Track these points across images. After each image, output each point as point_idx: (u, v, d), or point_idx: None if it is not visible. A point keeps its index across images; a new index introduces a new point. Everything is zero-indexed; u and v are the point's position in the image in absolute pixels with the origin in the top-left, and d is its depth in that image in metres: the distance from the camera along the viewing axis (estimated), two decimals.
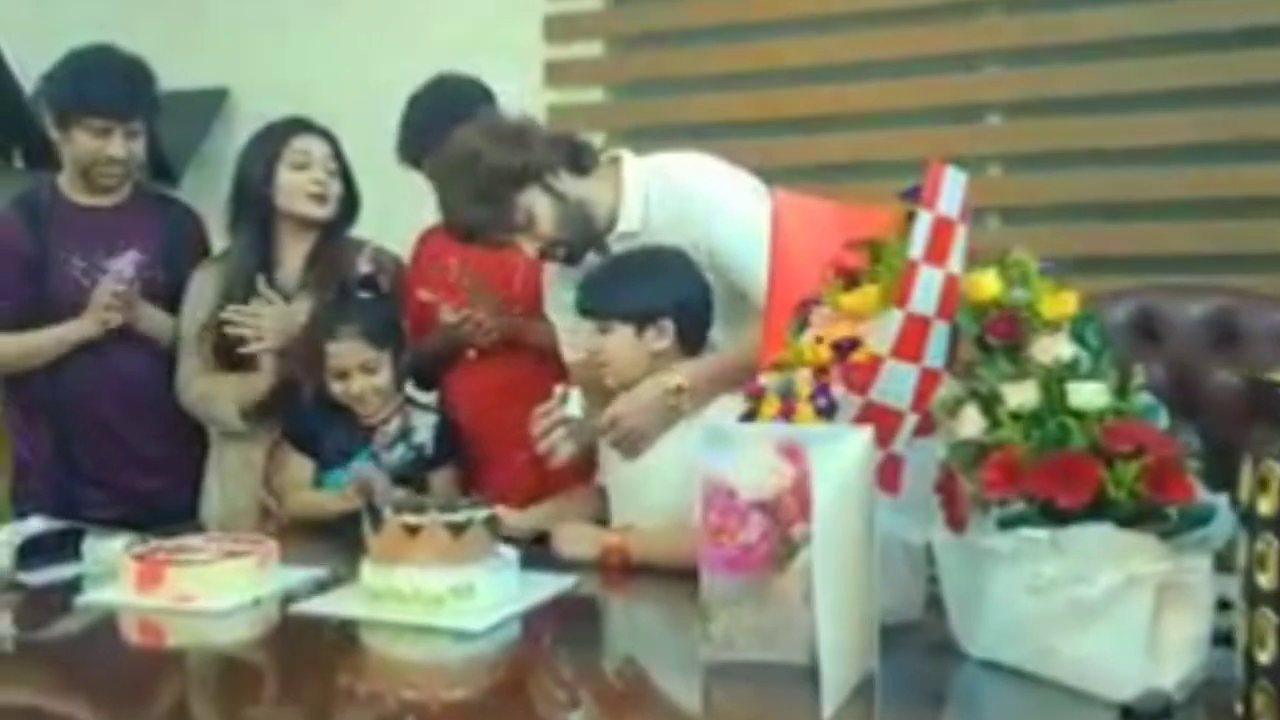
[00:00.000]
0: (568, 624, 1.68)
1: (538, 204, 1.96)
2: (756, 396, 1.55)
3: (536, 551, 1.81)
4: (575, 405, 1.96)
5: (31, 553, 1.83)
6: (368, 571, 1.65)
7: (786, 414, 1.46)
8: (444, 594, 1.59)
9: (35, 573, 1.82)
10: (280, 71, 3.51)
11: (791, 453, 1.36)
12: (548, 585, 1.72)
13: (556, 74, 3.26)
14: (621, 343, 1.90)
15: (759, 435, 1.39)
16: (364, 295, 2.31)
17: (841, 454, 1.29)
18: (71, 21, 3.37)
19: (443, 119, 2.28)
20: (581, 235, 1.99)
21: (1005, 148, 2.95)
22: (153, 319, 2.40)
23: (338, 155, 2.41)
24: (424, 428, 2.26)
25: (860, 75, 3.02)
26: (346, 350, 2.19)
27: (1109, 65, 2.77)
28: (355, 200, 2.46)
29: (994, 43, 2.92)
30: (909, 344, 1.38)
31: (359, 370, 2.19)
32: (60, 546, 1.87)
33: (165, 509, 2.33)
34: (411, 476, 2.21)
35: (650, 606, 1.78)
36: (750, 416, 1.54)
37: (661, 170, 2.04)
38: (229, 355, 2.35)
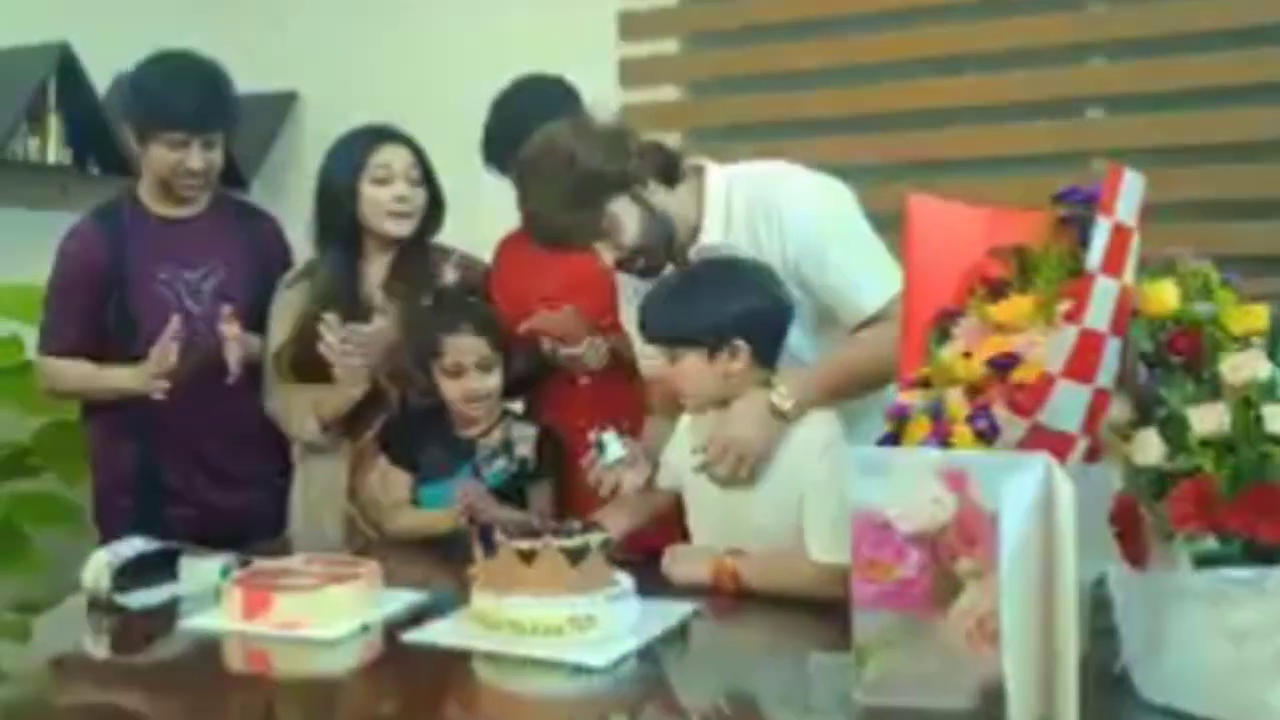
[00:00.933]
0: (693, 658, 1.59)
1: (626, 213, 1.87)
2: (900, 417, 1.45)
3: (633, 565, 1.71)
4: (613, 452, 1.92)
5: (127, 573, 1.76)
6: (479, 598, 1.57)
7: (940, 437, 1.36)
8: (563, 625, 1.51)
9: (131, 594, 1.75)
10: (349, 74, 3.46)
11: (955, 480, 1.26)
12: (666, 614, 1.62)
13: (631, 72, 3.19)
14: (693, 369, 1.78)
15: (918, 462, 1.29)
16: (473, 300, 2.23)
17: (1024, 483, 1.18)
18: (142, 26, 3.34)
19: (528, 121, 2.20)
20: (663, 248, 1.91)
21: (1109, 143, 2.82)
22: (248, 345, 2.33)
23: (421, 162, 2.33)
24: (525, 440, 2.18)
25: (947, 70, 2.92)
26: (466, 346, 2.12)
27: (1216, 56, 2.65)
28: (440, 207, 2.38)
29: (1097, 34, 2.81)
30: (1083, 362, 1.27)
31: (476, 368, 2.13)
32: (155, 567, 1.81)
33: (251, 526, 2.27)
34: (511, 491, 2.13)
35: (780, 638, 1.68)
36: (894, 439, 1.44)
37: (744, 179, 1.94)
38: (310, 370, 2.28)
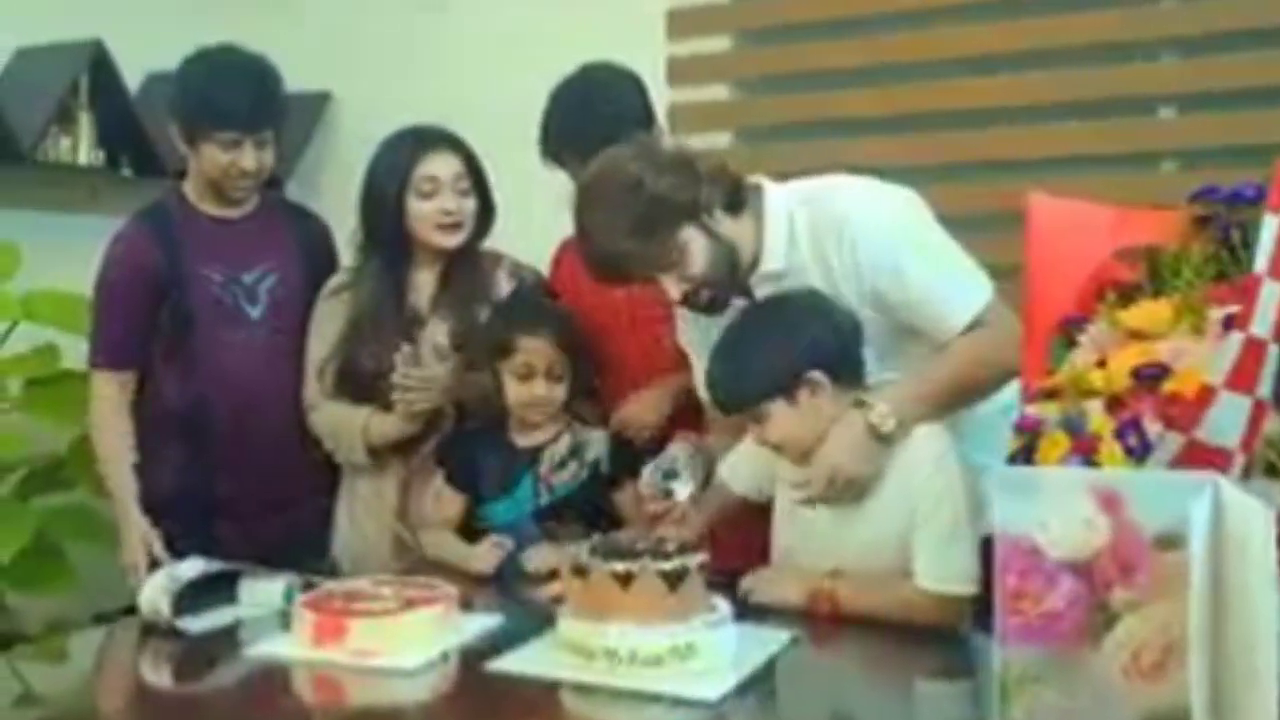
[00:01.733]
0: (798, 690, 1.49)
1: (694, 243, 1.74)
2: (1031, 431, 1.35)
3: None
4: (684, 486, 1.85)
5: (185, 595, 1.66)
6: (569, 624, 1.47)
7: (1083, 454, 1.26)
8: (663, 654, 1.41)
9: (191, 617, 1.65)
10: (385, 74, 3.36)
11: (1109, 501, 1.15)
12: (764, 641, 1.53)
13: (679, 70, 3.07)
14: (781, 420, 1.68)
15: (1069, 481, 1.19)
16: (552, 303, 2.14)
17: (1201, 506, 1.08)
18: (174, 23, 3.25)
19: (592, 111, 2.12)
20: (728, 279, 1.79)
21: (1180, 143, 2.72)
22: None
23: (471, 168, 2.22)
24: (596, 443, 2.08)
25: (1010, 67, 2.81)
26: (538, 349, 2.02)
27: None
28: (490, 213, 2.27)
29: (1169, 30, 2.70)
30: (1245, 372, 1.17)
31: (545, 374, 2.02)
32: (212, 588, 1.71)
33: (298, 544, 2.18)
34: (583, 501, 2.03)
35: (885, 667, 1.58)
36: (1027, 456, 1.33)
37: (805, 197, 1.81)
38: (355, 387, 2.19)
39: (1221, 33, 2.62)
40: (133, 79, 3.12)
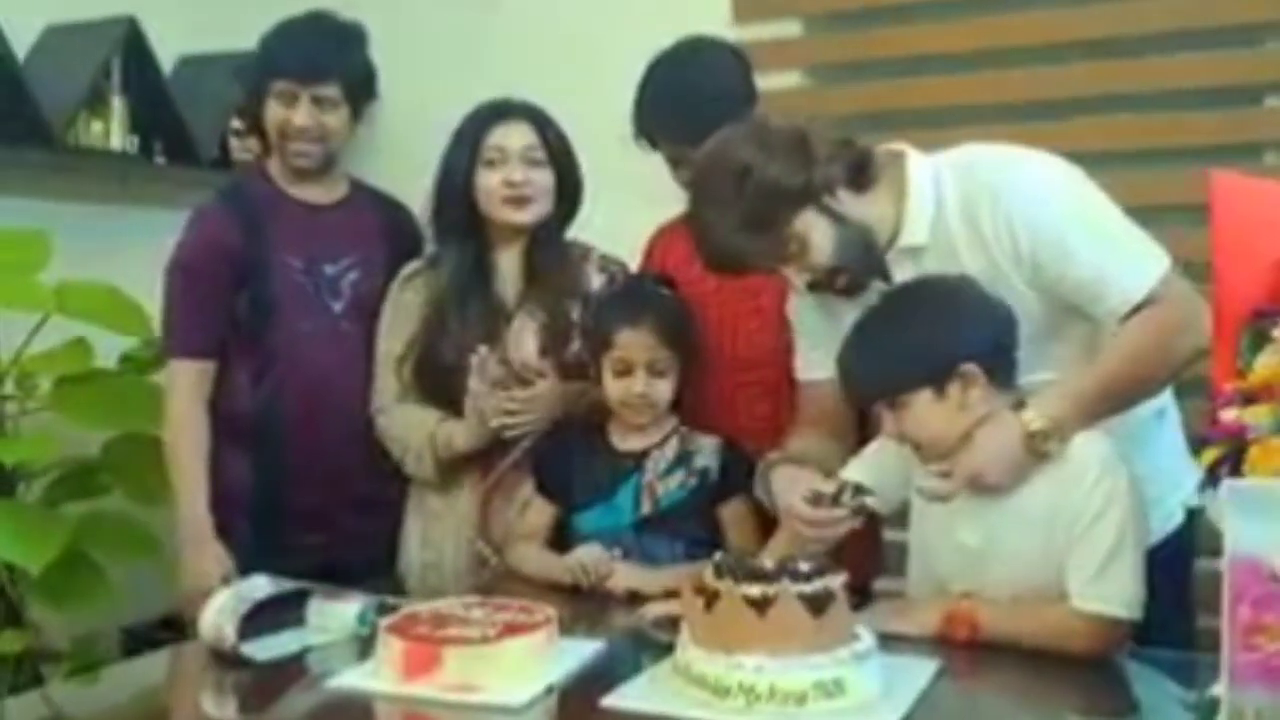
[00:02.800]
0: None
1: (814, 229, 1.58)
2: (1234, 437, 1.18)
3: None
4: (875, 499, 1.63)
5: (250, 618, 1.48)
6: (694, 656, 1.30)
7: None
8: (807, 690, 1.24)
9: (257, 642, 1.48)
10: (433, 71, 3.17)
11: None
12: (910, 674, 1.36)
13: (745, 6, 2.88)
14: (924, 413, 1.50)
15: None
16: (665, 290, 1.96)
17: None
18: (211, 5, 3.10)
19: (690, 83, 1.98)
20: (862, 261, 1.62)
21: None
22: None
23: (546, 140, 2.06)
24: (707, 451, 1.90)
25: (1104, 53, 2.64)
26: (638, 342, 1.85)
27: None
28: (574, 188, 2.10)
29: (1276, 14, 2.53)
30: None
31: (645, 368, 1.85)
32: (280, 610, 1.54)
33: (370, 556, 2.03)
34: (689, 512, 1.87)
35: (1043, 701, 1.41)
36: (1233, 466, 1.16)
37: (956, 165, 1.64)
38: (435, 381, 2.02)
39: None
40: (166, 62, 2.96)
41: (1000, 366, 1.52)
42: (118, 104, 2.81)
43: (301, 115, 2.07)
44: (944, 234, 1.61)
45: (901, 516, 1.70)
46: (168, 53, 2.98)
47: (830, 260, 1.60)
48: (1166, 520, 1.65)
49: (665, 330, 1.86)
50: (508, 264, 2.08)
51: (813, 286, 1.65)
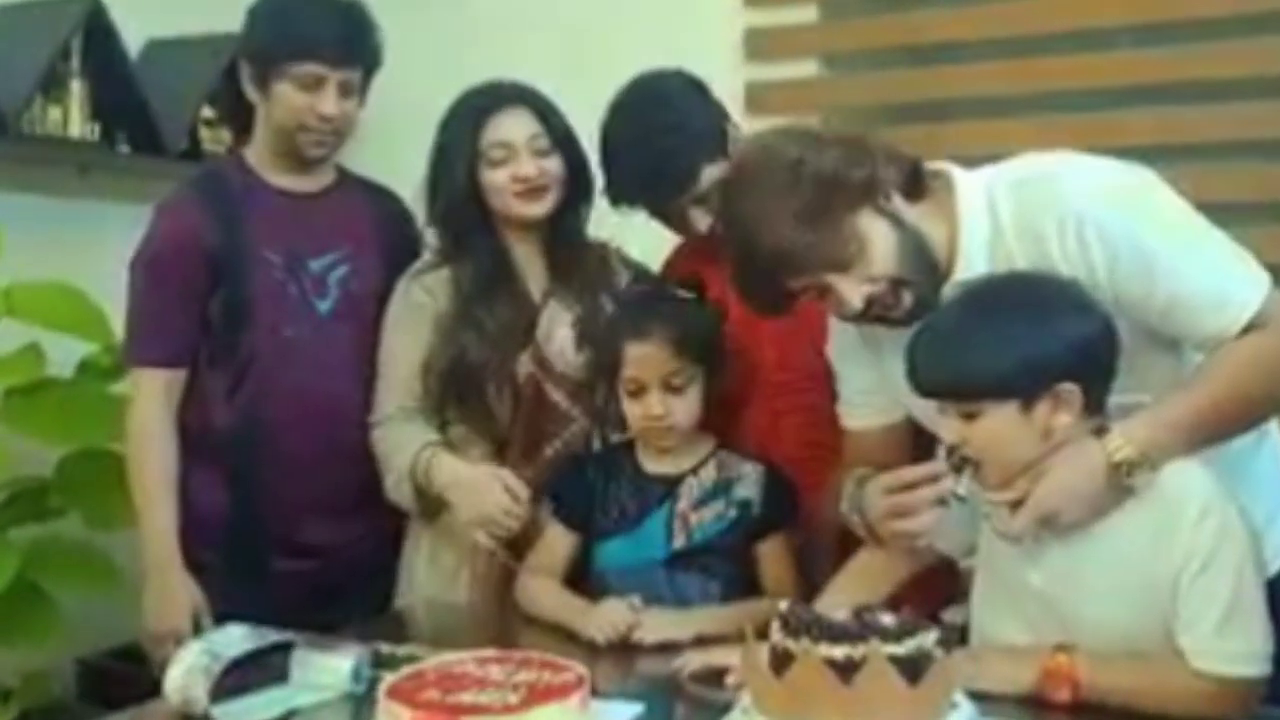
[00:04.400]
0: None
1: (875, 230, 1.39)
2: None
3: None
4: (964, 486, 1.40)
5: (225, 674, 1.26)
6: None
7: None
8: None
9: (231, 704, 1.25)
10: (422, 30, 2.96)
11: None
12: None
13: (759, 45, 2.71)
14: (1002, 429, 1.30)
15: None
16: (685, 294, 1.75)
17: None
18: None
19: (650, 137, 1.76)
20: (926, 275, 1.42)
21: None
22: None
23: (549, 125, 1.86)
24: (749, 480, 1.69)
25: (1141, 41, 2.47)
26: (647, 357, 1.64)
27: None
28: (584, 174, 1.90)
29: None
30: None
31: (660, 386, 1.64)
32: (260, 663, 1.31)
33: (365, 582, 1.82)
34: (727, 547, 1.66)
35: None
36: None
37: (1010, 182, 1.44)
38: (466, 389, 1.81)
39: None
40: (132, 45, 2.73)
41: (1099, 391, 1.32)
42: (77, 88, 2.58)
43: (329, 102, 1.84)
44: (1005, 260, 1.41)
45: None
46: (134, 35, 2.76)
47: (892, 269, 1.40)
48: (1271, 560, 1.43)
49: (677, 339, 1.65)
50: (529, 258, 1.89)
51: (868, 307, 1.42)
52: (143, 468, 1.88)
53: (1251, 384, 1.34)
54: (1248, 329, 1.34)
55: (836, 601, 1.35)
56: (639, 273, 1.94)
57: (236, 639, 1.29)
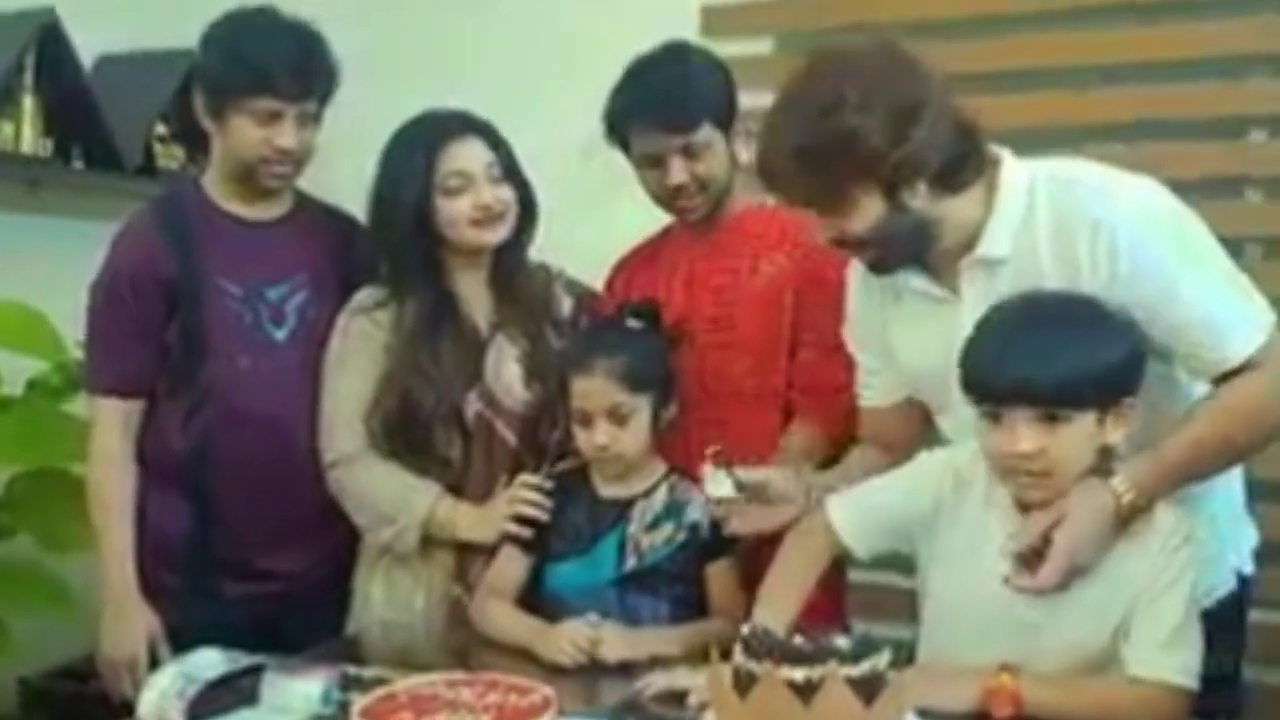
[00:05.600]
0: None
1: (868, 202, 1.42)
2: None
3: None
4: (724, 486, 1.59)
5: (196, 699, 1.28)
6: None
7: None
8: None
9: None
10: (374, 55, 2.97)
11: None
12: None
13: (715, 22, 2.75)
14: (1079, 436, 1.34)
15: None
16: (634, 324, 1.79)
17: None
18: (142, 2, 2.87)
19: (676, 77, 1.85)
20: (903, 251, 1.49)
21: (1269, 169, 2.48)
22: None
23: (500, 153, 1.88)
24: (699, 503, 1.73)
25: (1094, 81, 2.56)
26: (592, 389, 1.69)
27: None
28: (531, 204, 1.92)
29: (1262, 47, 2.47)
30: None
31: (604, 416, 1.69)
32: (230, 686, 1.33)
33: (319, 608, 1.83)
34: (677, 569, 1.71)
35: None
36: None
37: (1054, 179, 1.49)
38: (411, 435, 1.82)
39: None
40: (85, 60, 2.70)
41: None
42: (30, 104, 2.56)
43: (288, 136, 1.84)
44: (1028, 249, 1.47)
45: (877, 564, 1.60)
46: (88, 50, 2.74)
47: (864, 236, 1.45)
48: (1219, 585, 1.53)
49: (621, 372, 1.69)
50: (474, 290, 1.90)
51: (834, 243, 1.50)
52: (101, 494, 1.89)
53: (1239, 430, 1.41)
54: (1243, 366, 1.41)
55: (775, 610, 1.44)
56: (582, 296, 1.96)
57: (210, 662, 1.31)
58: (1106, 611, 1.36)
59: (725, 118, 1.85)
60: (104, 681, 1.86)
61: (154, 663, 1.79)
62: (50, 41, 2.55)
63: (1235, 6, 2.47)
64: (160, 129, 2.82)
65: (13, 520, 2.23)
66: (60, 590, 2.22)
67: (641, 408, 1.71)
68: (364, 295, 1.90)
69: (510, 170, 1.88)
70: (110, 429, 1.88)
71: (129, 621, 1.84)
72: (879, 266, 1.54)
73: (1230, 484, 1.57)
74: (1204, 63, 2.47)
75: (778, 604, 1.49)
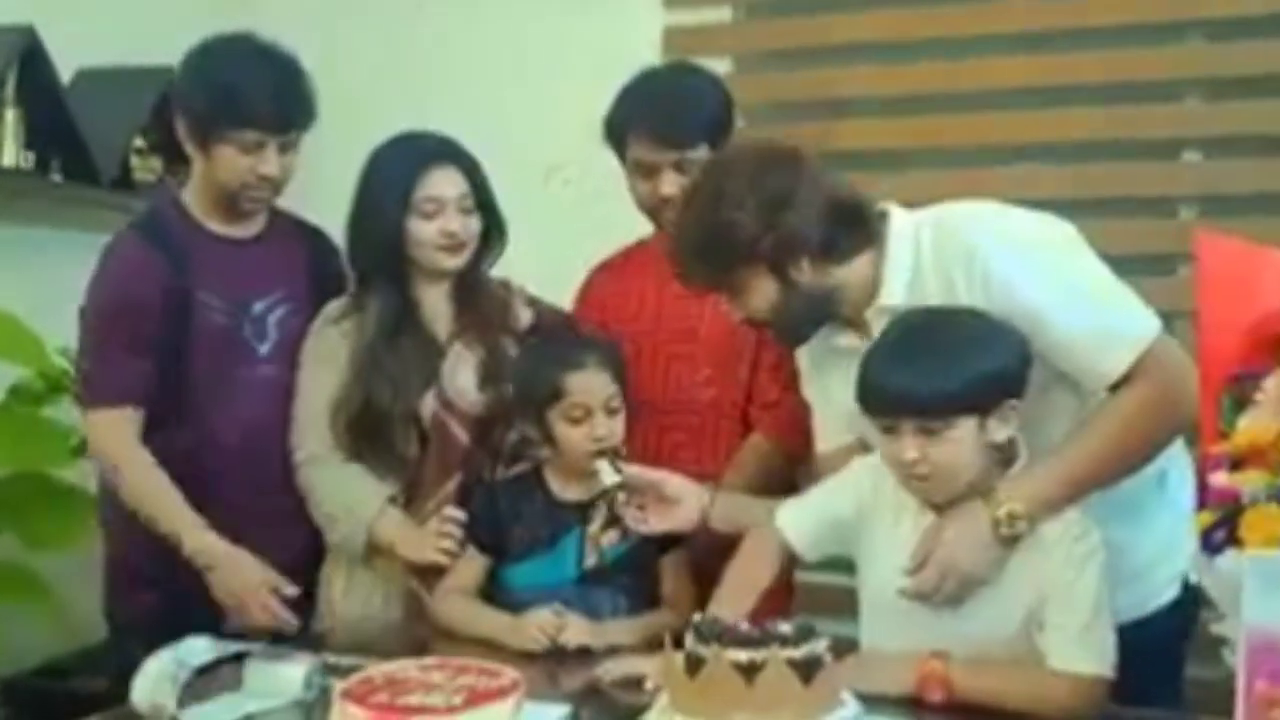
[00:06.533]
0: None
1: (758, 283, 1.59)
2: (1228, 502, 1.18)
3: None
4: (606, 477, 1.76)
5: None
6: None
7: None
8: None
9: (194, 709, 1.37)
10: (350, 72, 3.06)
11: None
12: None
13: (677, 42, 2.86)
14: (967, 441, 1.44)
15: None
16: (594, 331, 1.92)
17: None
18: (112, 16, 2.93)
19: (679, 93, 1.98)
20: (807, 321, 1.64)
21: (1203, 189, 2.62)
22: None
23: (475, 187, 1.98)
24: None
25: (1030, 104, 2.69)
26: (591, 383, 1.77)
27: None
28: (498, 232, 2.03)
29: (1195, 72, 2.61)
30: None
31: (603, 409, 1.78)
32: (216, 673, 1.42)
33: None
34: (632, 567, 1.81)
35: None
36: (1228, 533, 1.16)
37: (935, 222, 1.61)
38: (371, 432, 1.92)
39: (1250, 77, 2.54)
40: (63, 75, 2.77)
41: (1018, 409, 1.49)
42: (11, 117, 2.62)
43: (270, 164, 1.93)
44: (920, 295, 1.58)
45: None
46: (65, 65, 2.80)
47: (762, 314, 1.62)
48: (1159, 592, 1.62)
49: (612, 365, 1.80)
50: (436, 301, 2.00)
51: (745, 322, 1.67)
52: (133, 485, 1.92)
53: (1129, 438, 1.50)
54: (1133, 375, 1.48)
55: (730, 607, 1.52)
56: (544, 309, 2.06)
57: (201, 649, 1.40)
58: (1011, 608, 1.47)
59: (721, 137, 1.95)
60: (244, 624, 1.86)
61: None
62: (31, 57, 2.61)
63: (1168, 34, 2.62)
64: (138, 142, 2.88)
65: None
66: (39, 587, 2.29)
67: (622, 402, 1.81)
68: (332, 307, 2.01)
69: (482, 203, 1.98)
70: (113, 431, 1.94)
71: (232, 571, 1.87)
72: (790, 338, 1.69)
73: (1165, 491, 1.63)
74: (1140, 86, 2.61)
75: (732, 602, 1.58)
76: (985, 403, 1.44)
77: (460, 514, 1.86)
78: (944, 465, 1.45)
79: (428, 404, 1.93)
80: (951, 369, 1.43)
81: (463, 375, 1.94)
